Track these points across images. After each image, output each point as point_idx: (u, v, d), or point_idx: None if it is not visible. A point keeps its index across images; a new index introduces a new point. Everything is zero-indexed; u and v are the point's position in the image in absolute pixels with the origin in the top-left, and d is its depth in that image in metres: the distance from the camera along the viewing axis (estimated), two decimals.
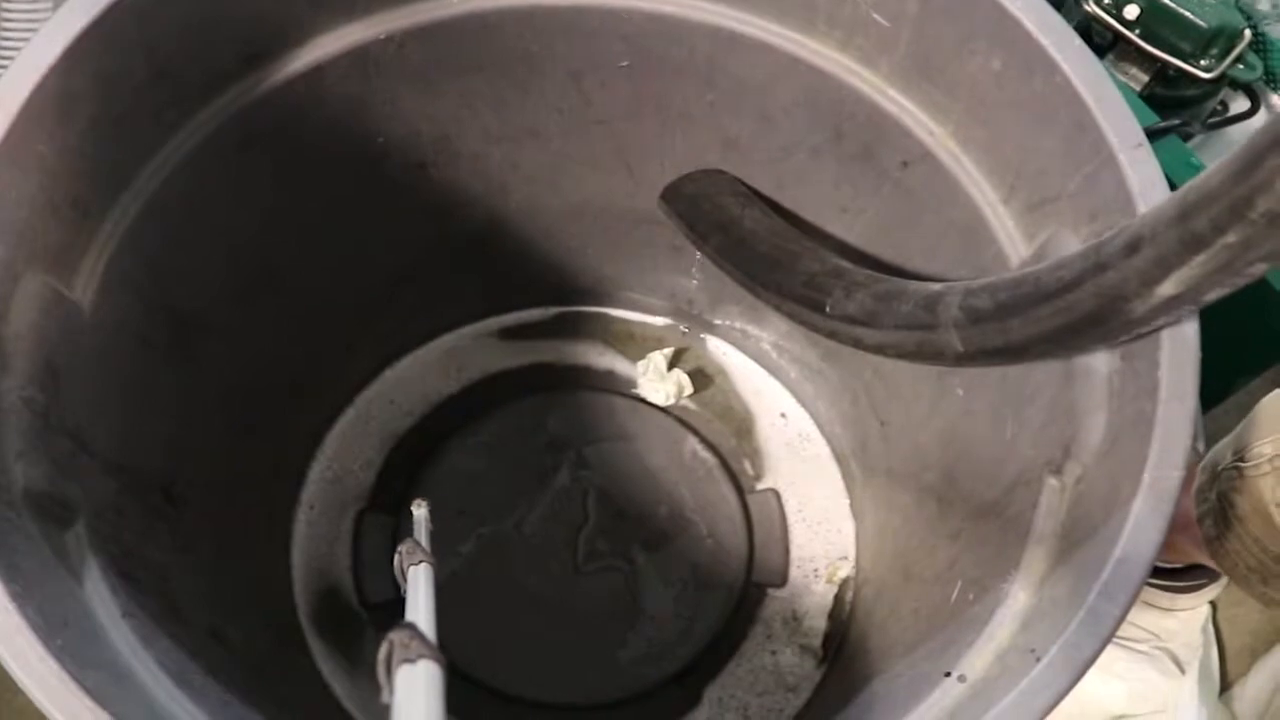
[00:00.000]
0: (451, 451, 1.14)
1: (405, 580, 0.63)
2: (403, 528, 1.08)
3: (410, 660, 0.46)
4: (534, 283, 1.17)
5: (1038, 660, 0.58)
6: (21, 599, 0.55)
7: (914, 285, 0.75)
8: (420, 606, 0.58)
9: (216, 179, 0.79)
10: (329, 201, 0.91)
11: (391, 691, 0.46)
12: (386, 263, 1.03)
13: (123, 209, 0.73)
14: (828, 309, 0.79)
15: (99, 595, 0.64)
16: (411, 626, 0.48)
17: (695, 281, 1.13)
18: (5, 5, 1.03)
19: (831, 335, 0.80)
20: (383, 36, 0.80)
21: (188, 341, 0.84)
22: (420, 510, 0.79)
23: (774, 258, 0.87)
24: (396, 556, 0.66)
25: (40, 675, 0.54)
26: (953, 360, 0.69)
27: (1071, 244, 0.65)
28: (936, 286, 0.71)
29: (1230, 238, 0.50)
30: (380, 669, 0.47)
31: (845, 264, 0.83)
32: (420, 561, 0.64)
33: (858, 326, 0.77)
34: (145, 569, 0.72)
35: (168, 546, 0.80)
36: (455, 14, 0.81)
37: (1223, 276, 0.52)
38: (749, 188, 0.95)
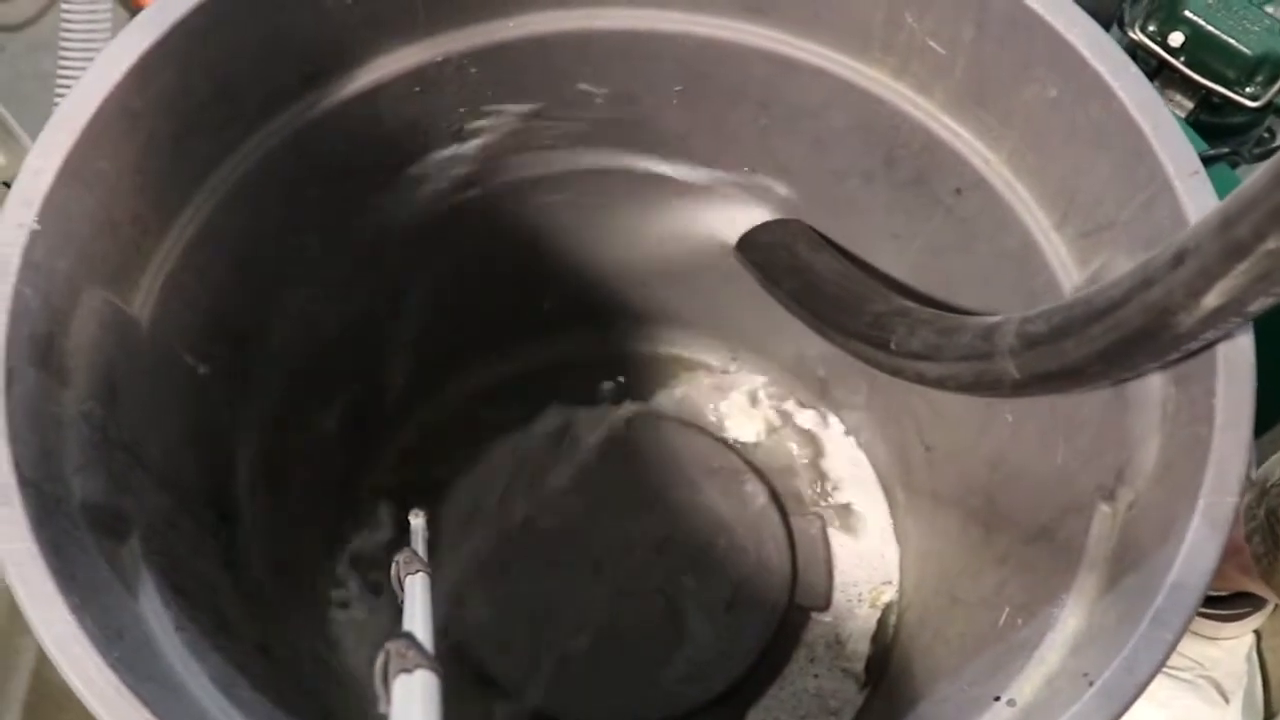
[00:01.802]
0: None
1: (402, 590, 0.63)
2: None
3: (407, 670, 0.47)
4: (583, 309, 1.18)
5: (1090, 684, 0.57)
6: (80, 610, 0.55)
7: (974, 319, 0.75)
8: (417, 616, 0.58)
9: (272, 197, 0.80)
10: (380, 221, 0.92)
11: (389, 702, 0.46)
12: (430, 286, 1.03)
13: (181, 226, 0.74)
14: (892, 346, 0.80)
15: (152, 609, 0.65)
16: (408, 636, 0.49)
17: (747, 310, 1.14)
18: (66, 20, 1.04)
19: (896, 372, 0.82)
20: (440, 59, 0.81)
21: (240, 359, 0.85)
22: (417, 520, 0.79)
23: (843, 300, 0.88)
24: (393, 566, 0.67)
25: (98, 686, 0.54)
26: (1010, 389, 0.70)
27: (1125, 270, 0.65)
28: (995, 318, 0.72)
29: (1271, 244, 0.50)
30: (377, 679, 0.47)
31: (910, 304, 0.84)
32: (417, 571, 0.64)
33: (920, 361, 0.78)
34: (196, 583, 0.73)
35: (217, 562, 0.80)
36: (512, 38, 0.81)
37: (1265, 285, 0.52)
38: (821, 235, 0.96)
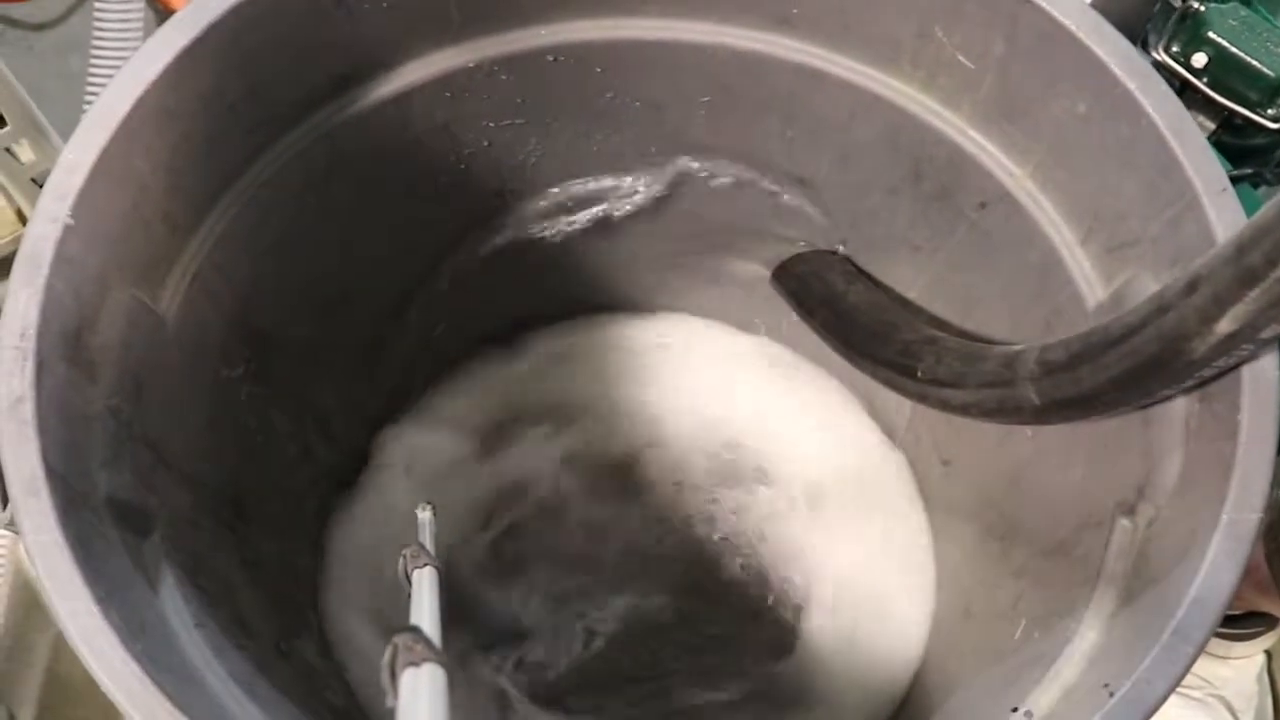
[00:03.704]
0: None
1: (410, 584, 0.63)
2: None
3: (414, 664, 0.47)
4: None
5: (1111, 695, 0.58)
6: (105, 603, 0.56)
7: (999, 347, 0.76)
8: (425, 610, 0.58)
9: (301, 199, 0.80)
10: (407, 226, 0.92)
11: (396, 695, 0.46)
12: (453, 292, 1.04)
13: (210, 225, 0.74)
14: (919, 374, 0.81)
15: (173, 604, 0.65)
16: (416, 630, 0.49)
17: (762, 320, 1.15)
18: (99, 20, 1.05)
19: (922, 399, 0.83)
20: (471, 64, 0.81)
21: (263, 359, 0.85)
22: (424, 513, 0.79)
23: (873, 329, 0.90)
24: (401, 560, 0.67)
25: (123, 678, 0.54)
26: (1031, 416, 0.70)
27: (1151, 287, 0.66)
28: (1019, 346, 0.72)
29: None
30: (385, 673, 0.47)
31: (938, 333, 0.85)
32: (425, 564, 0.64)
33: (945, 388, 0.79)
34: (215, 581, 0.73)
35: (235, 561, 0.81)
36: (543, 45, 0.82)
37: (1277, 311, 0.53)
38: (856, 266, 0.98)
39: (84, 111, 0.65)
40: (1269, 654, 1.20)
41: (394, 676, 0.47)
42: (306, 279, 0.87)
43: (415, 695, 0.45)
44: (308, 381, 0.94)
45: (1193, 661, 0.58)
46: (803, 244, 1.00)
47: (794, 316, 1.02)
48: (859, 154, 0.87)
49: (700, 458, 1.13)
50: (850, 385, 1.15)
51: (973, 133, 0.80)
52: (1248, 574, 0.86)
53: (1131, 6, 1.03)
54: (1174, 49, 1.21)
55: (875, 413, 1.14)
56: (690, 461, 1.13)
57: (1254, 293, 0.52)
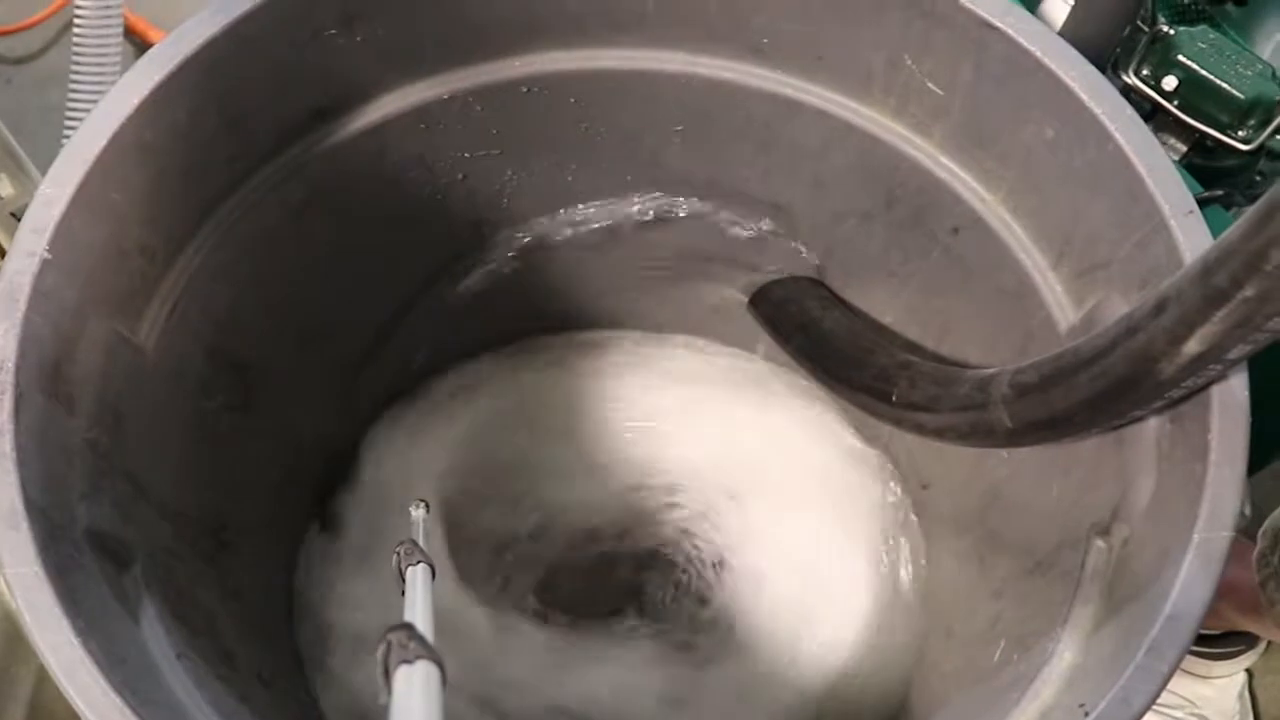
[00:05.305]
0: None
1: (403, 581, 0.63)
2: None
3: (408, 661, 0.46)
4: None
5: (1087, 715, 0.58)
6: (85, 634, 0.56)
7: (972, 371, 0.76)
8: (418, 607, 0.58)
9: (279, 232, 0.80)
10: (385, 257, 0.93)
11: (389, 693, 0.46)
12: (432, 320, 1.04)
13: (188, 258, 0.74)
14: (894, 399, 0.82)
15: (154, 635, 0.65)
16: (409, 627, 0.48)
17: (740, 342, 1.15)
18: (76, 55, 1.05)
19: (897, 423, 0.83)
20: (446, 96, 0.81)
21: (243, 390, 0.85)
22: (418, 511, 0.79)
23: (848, 354, 0.90)
24: (394, 557, 0.67)
25: (104, 709, 0.54)
26: (1004, 438, 0.71)
27: (1121, 309, 0.66)
28: (992, 369, 0.73)
29: (1248, 291, 0.51)
30: (378, 670, 0.47)
31: (912, 357, 0.86)
32: (418, 562, 0.64)
33: (920, 413, 0.79)
34: (196, 612, 0.73)
35: (216, 592, 0.81)
36: (517, 76, 0.82)
37: (1244, 332, 0.53)
38: (832, 292, 0.98)
39: (62, 145, 0.65)
40: (1250, 673, 1.20)
41: (387, 674, 0.47)
42: (285, 309, 0.87)
43: (409, 693, 0.45)
44: (288, 411, 0.94)
45: (1167, 680, 0.58)
46: (779, 270, 1.00)
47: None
48: (833, 181, 0.88)
49: (676, 473, 1.13)
50: (831, 406, 1.14)
51: (944, 159, 0.80)
52: (1230, 594, 0.87)
53: (1101, 30, 1.03)
54: (1144, 72, 1.21)
55: (856, 433, 1.14)
56: (665, 476, 1.13)
57: (1221, 313, 0.53)
